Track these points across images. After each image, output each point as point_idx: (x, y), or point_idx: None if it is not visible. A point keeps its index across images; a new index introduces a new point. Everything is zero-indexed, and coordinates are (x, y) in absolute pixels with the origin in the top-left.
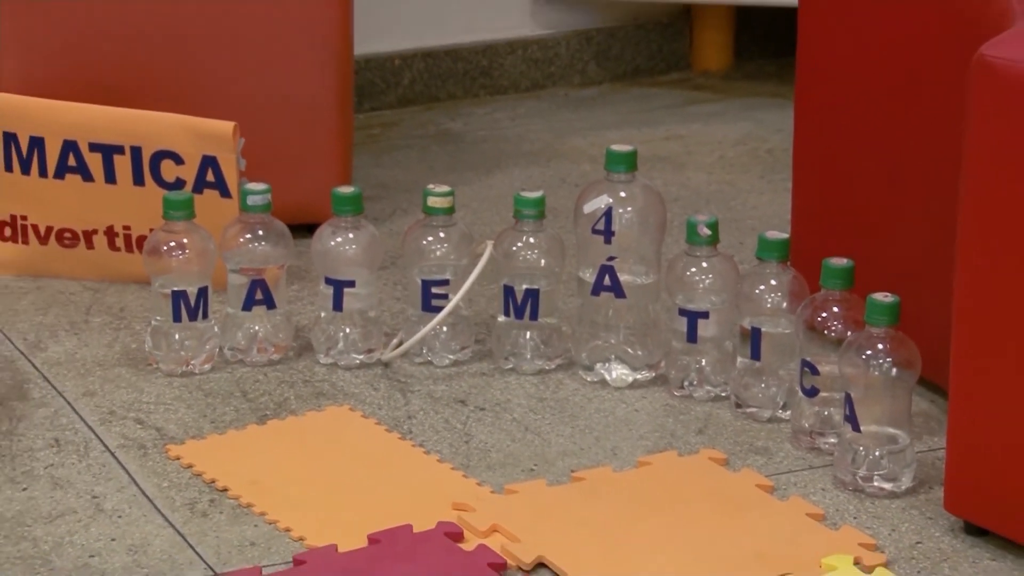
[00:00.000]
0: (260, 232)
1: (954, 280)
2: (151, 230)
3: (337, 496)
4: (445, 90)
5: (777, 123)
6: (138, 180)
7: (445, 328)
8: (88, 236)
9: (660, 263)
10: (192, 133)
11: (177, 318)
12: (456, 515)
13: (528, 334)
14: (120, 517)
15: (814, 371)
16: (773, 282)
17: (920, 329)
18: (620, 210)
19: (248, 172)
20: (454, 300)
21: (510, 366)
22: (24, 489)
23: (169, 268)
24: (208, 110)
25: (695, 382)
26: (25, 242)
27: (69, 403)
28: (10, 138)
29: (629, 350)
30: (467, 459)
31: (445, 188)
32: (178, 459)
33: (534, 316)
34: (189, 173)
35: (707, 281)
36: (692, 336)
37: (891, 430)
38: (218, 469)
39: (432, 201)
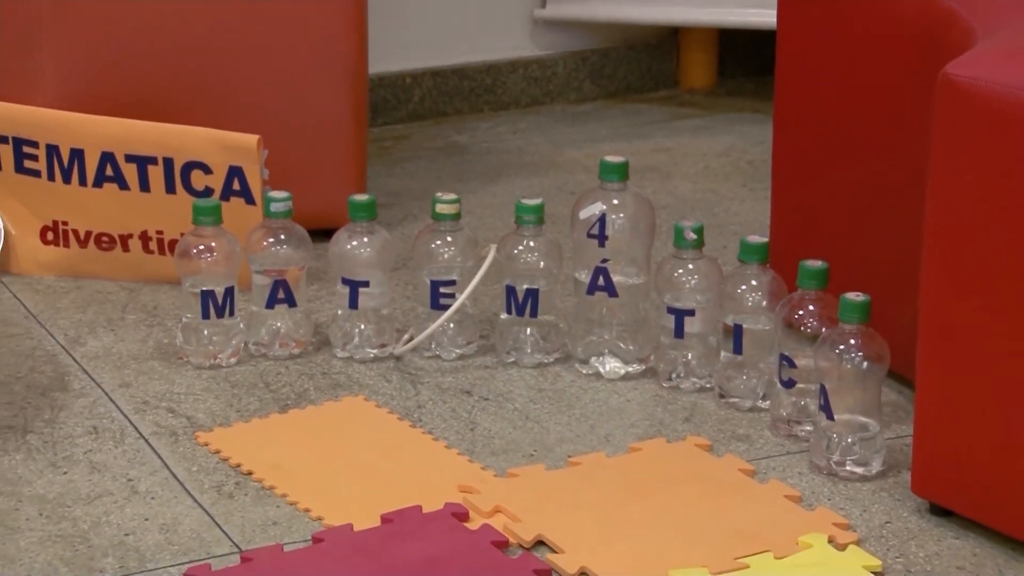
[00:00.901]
0: (282, 236)
1: (920, 281)
2: (182, 234)
3: (353, 479)
4: (452, 106)
5: (757, 136)
6: (170, 189)
7: (452, 325)
8: (124, 240)
9: (650, 265)
10: (220, 145)
11: (206, 315)
12: (462, 497)
13: (528, 330)
14: (153, 499)
15: (791, 364)
16: (754, 282)
17: (889, 326)
18: (613, 216)
19: (271, 181)
20: (460, 299)
21: (512, 360)
22: (64, 473)
23: (198, 269)
24: (235, 124)
25: (682, 374)
26: (66, 246)
27: (106, 393)
28: (52, 150)
29: (621, 345)
30: (472, 445)
31: (452, 196)
32: (206, 445)
33: (534, 314)
34: (217, 182)
35: (693, 281)
36: (679, 332)
37: (862, 419)
38: (243, 454)
39: (440, 208)
